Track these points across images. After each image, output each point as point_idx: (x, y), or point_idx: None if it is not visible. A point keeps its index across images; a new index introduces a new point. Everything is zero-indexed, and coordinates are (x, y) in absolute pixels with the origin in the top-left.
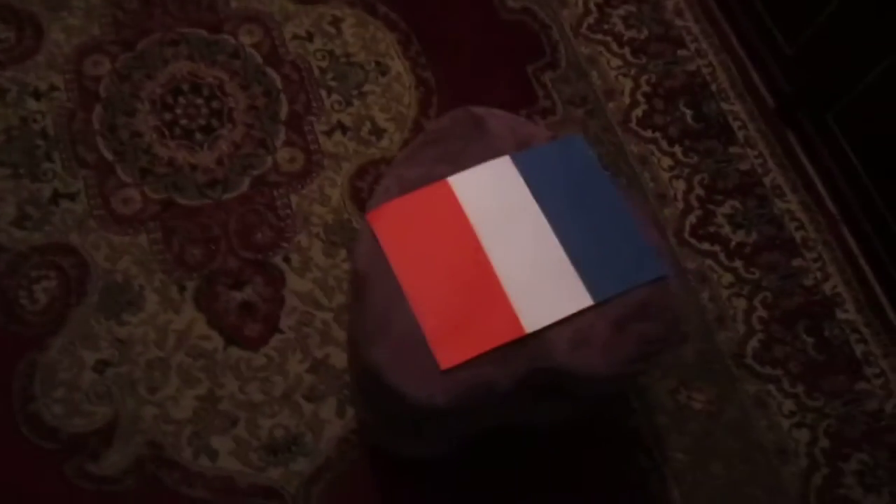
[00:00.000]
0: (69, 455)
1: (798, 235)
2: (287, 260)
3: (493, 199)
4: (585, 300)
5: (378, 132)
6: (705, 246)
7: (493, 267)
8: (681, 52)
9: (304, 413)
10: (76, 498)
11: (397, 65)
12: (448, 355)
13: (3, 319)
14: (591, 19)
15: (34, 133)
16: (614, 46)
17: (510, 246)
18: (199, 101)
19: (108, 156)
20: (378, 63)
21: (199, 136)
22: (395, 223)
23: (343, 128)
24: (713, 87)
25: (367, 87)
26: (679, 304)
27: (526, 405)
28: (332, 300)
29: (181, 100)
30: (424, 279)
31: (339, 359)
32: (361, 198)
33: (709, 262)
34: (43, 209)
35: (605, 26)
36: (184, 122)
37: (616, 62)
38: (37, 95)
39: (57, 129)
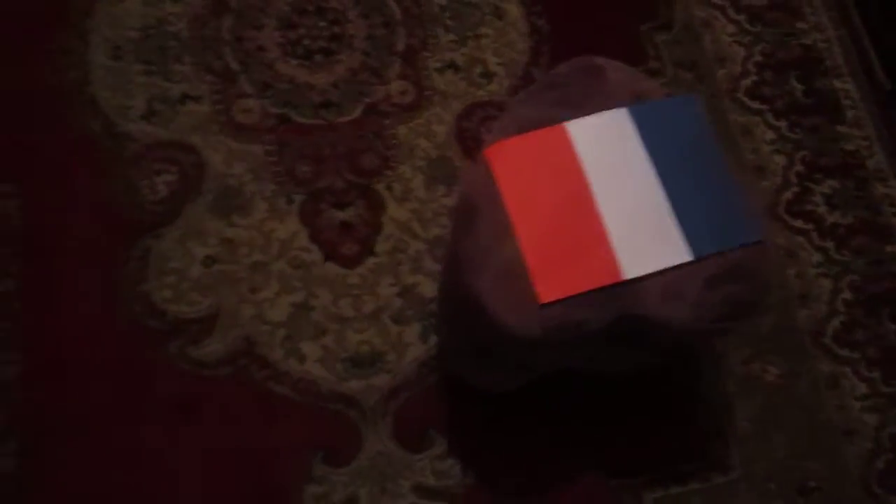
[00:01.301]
0: (172, 336)
1: (894, 222)
2: (389, 188)
3: (607, 147)
4: (683, 255)
5: (488, 75)
6: (798, 223)
7: (599, 212)
8: (799, 25)
9: (390, 333)
10: (174, 375)
11: (514, 11)
12: (548, 290)
13: (125, 203)
14: None
15: (168, 34)
16: (731, 12)
17: (617, 194)
18: (322, 23)
19: (234, 65)
20: (496, 7)
21: (318, 57)
22: (510, 160)
23: (455, 67)
24: (828, 63)
25: (482, 30)
26: (770, 271)
27: (607, 350)
28: (427, 232)
29: (305, 20)
30: (533, 216)
31: (428, 288)
32: (466, 137)
33: (800, 239)
34: (170, 107)
35: None
36: (306, 42)
37: (731, 28)
38: None
39: (190, 34)
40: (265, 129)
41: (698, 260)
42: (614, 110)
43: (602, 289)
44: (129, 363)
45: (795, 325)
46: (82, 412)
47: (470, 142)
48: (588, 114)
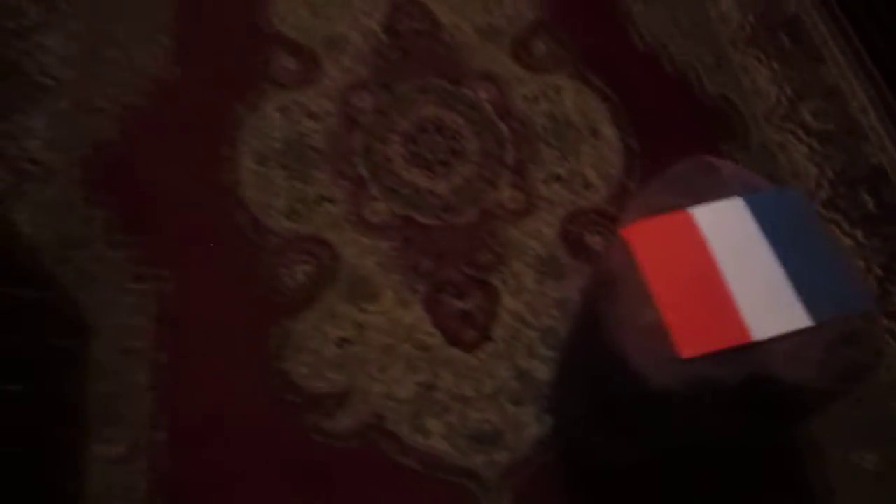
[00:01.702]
0: (307, 409)
1: None
2: (503, 282)
3: (727, 229)
4: (805, 321)
5: (588, 186)
6: (883, 322)
7: (726, 283)
8: (864, 147)
9: (508, 413)
10: (308, 445)
11: (608, 132)
12: (688, 347)
13: (267, 289)
14: (781, 110)
15: (307, 146)
16: (802, 135)
17: (741, 268)
18: (440, 139)
19: (364, 173)
20: (592, 129)
21: (438, 167)
22: (645, 238)
23: (559, 178)
24: (893, 179)
25: (581, 147)
26: (881, 338)
27: (734, 413)
28: (539, 322)
29: (426, 137)
30: (668, 285)
31: (542, 372)
32: (571, 239)
33: (887, 337)
34: (308, 207)
35: (795, 117)
36: (427, 154)
37: (803, 149)
38: (312, 116)
39: (325, 145)
40: (392, 227)
41: (818, 326)
42: (731, 199)
43: (734, 349)
44: (267, 432)
45: (892, 416)
46: (222, 474)
47: (575, 243)
48: (708, 202)
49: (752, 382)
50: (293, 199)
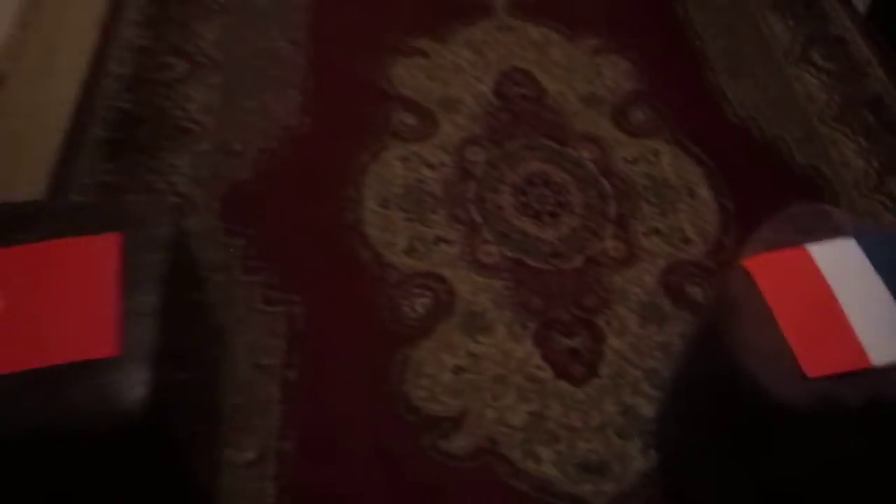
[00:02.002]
0: (425, 430)
1: None
2: (608, 323)
3: (843, 264)
4: None
5: (686, 241)
6: None
7: (844, 311)
8: None
9: (614, 446)
10: (425, 464)
11: (704, 193)
12: (813, 367)
13: (389, 318)
14: (870, 182)
15: (425, 192)
16: (890, 205)
17: (857, 299)
18: (547, 192)
19: (477, 218)
20: (689, 189)
21: (545, 217)
22: (766, 269)
23: (658, 232)
24: None
25: (679, 206)
26: None
27: (856, 441)
28: (643, 362)
29: (535, 189)
30: (789, 311)
31: (647, 409)
32: (672, 288)
33: None
34: (426, 246)
35: (883, 188)
36: (535, 205)
37: (890, 217)
38: (429, 166)
39: (441, 193)
40: (503, 268)
41: None
42: (845, 238)
43: (856, 371)
44: (387, 449)
45: None
46: (343, 485)
47: (676, 292)
48: (822, 241)
49: (874, 407)
50: (412, 238)
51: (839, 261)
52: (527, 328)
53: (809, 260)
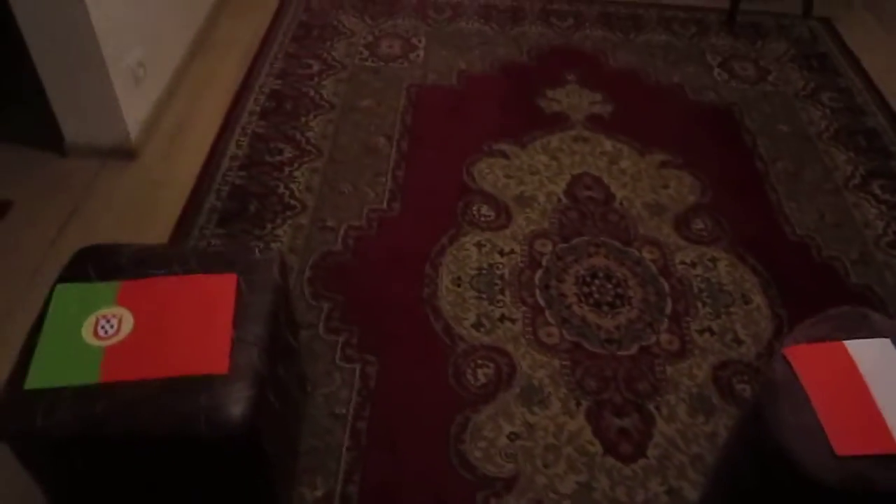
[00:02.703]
0: (480, 487)
1: None
2: (658, 409)
3: (877, 360)
4: None
5: (738, 341)
6: None
7: (876, 401)
8: None
9: None
10: None
11: (758, 300)
12: (844, 447)
13: (454, 383)
14: None
15: (496, 275)
16: None
17: (889, 392)
18: (609, 286)
19: (541, 302)
20: (743, 295)
21: (605, 307)
22: (804, 358)
23: (711, 331)
24: None
25: (732, 309)
26: None
27: None
28: (689, 449)
29: (596, 281)
30: (825, 397)
31: (690, 493)
32: (721, 384)
33: None
34: (492, 323)
35: None
36: (596, 296)
37: None
38: (501, 253)
39: (511, 277)
40: (562, 350)
41: None
42: (880, 339)
43: (886, 456)
44: (446, 500)
45: None
46: None
47: (725, 388)
48: (860, 338)
49: None
50: (480, 314)
51: (874, 356)
52: (580, 405)
53: (846, 353)
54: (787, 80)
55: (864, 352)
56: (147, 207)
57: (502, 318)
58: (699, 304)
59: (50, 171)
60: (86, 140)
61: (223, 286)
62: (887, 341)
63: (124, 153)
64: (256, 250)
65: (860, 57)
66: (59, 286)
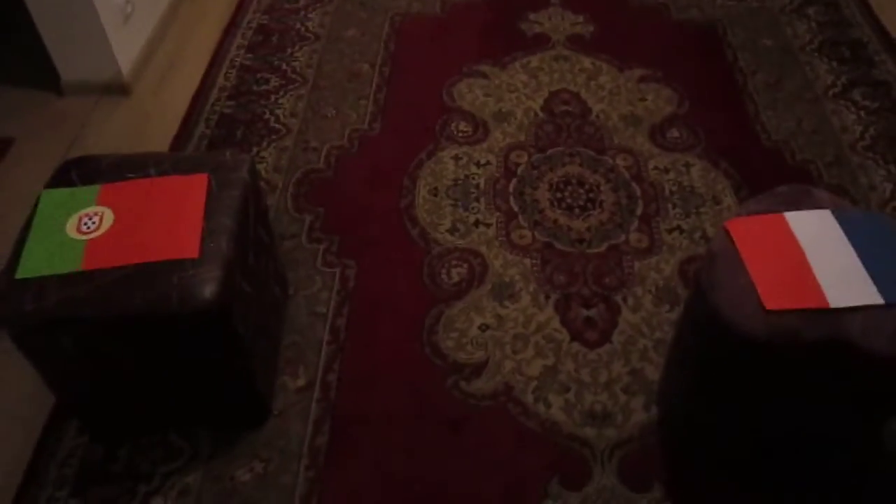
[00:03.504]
0: (450, 373)
1: None
2: (624, 300)
3: (815, 229)
4: (877, 299)
5: (706, 239)
6: None
7: (809, 264)
8: None
9: (619, 401)
10: (449, 400)
11: (728, 200)
12: (772, 302)
13: (429, 282)
14: (895, 203)
15: (471, 185)
16: None
17: (823, 255)
18: (581, 191)
19: (515, 208)
20: (714, 197)
21: (576, 210)
22: (743, 229)
23: (680, 230)
24: None
25: (702, 210)
26: None
27: (816, 381)
28: (653, 335)
29: (569, 188)
30: (759, 262)
31: (652, 372)
32: (686, 276)
33: None
34: (467, 228)
35: None
36: (568, 200)
37: None
38: (478, 165)
39: (485, 186)
40: (534, 249)
41: (889, 305)
42: (820, 210)
43: (814, 310)
44: (418, 385)
45: None
46: (376, 412)
47: (690, 279)
48: (801, 210)
49: (831, 347)
50: (455, 220)
51: (812, 226)
52: (549, 298)
53: (784, 224)
54: None
55: (803, 222)
56: (141, 138)
57: (476, 223)
58: (669, 206)
59: (48, 108)
60: (80, 78)
61: (195, 185)
62: (827, 213)
63: (118, 89)
64: (227, 153)
65: None
66: (44, 192)
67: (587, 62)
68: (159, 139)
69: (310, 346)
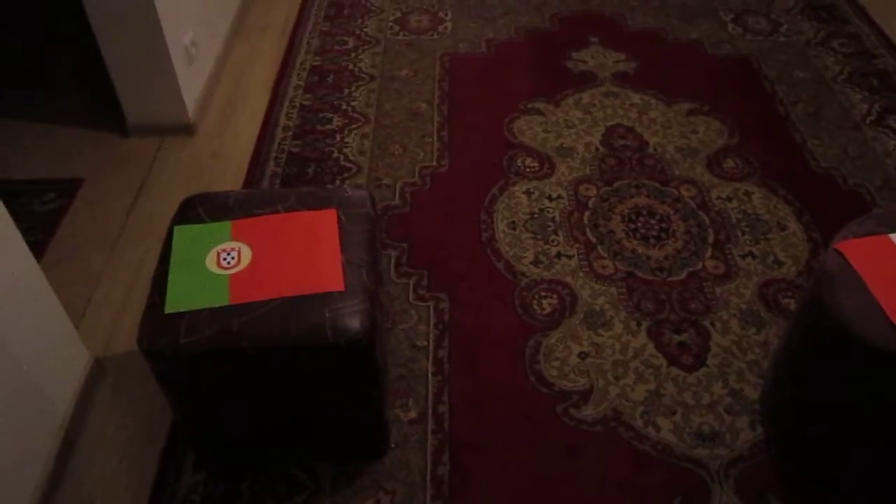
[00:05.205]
0: (559, 400)
1: None
2: (713, 324)
3: None
4: None
5: (778, 263)
6: None
7: None
8: None
9: (725, 421)
10: (560, 426)
11: (793, 226)
12: None
13: (522, 313)
14: None
15: (547, 218)
16: None
17: None
18: (653, 221)
19: (592, 239)
20: (779, 223)
21: (651, 240)
22: (856, 249)
23: (753, 255)
24: None
25: (770, 236)
26: None
27: None
28: (745, 356)
29: (640, 219)
30: (876, 278)
31: (751, 393)
32: (766, 299)
33: None
34: (549, 259)
35: None
36: (642, 231)
37: None
38: (550, 199)
39: (561, 219)
40: (617, 279)
41: None
42: None
43: None
44: (529, 413)
45: None
46: (497, 441)
47: (771, 302)
48: None
49: None
50: (538, 253)
51: None
52: (640, 325)
53: (891, 244)
54: (798, 30)
55: None
56: (212, 177)
57: (559, 255)
58: (739, 233)
59: (114, 149)
60: (147, 118)
61: (326, 219)
62: None
63: (183, 129)
64: (347, 188)
65: (864, 5)
66: (177, 227)
67: (636, 97)
68: (229, 178)
69: (416, 378)
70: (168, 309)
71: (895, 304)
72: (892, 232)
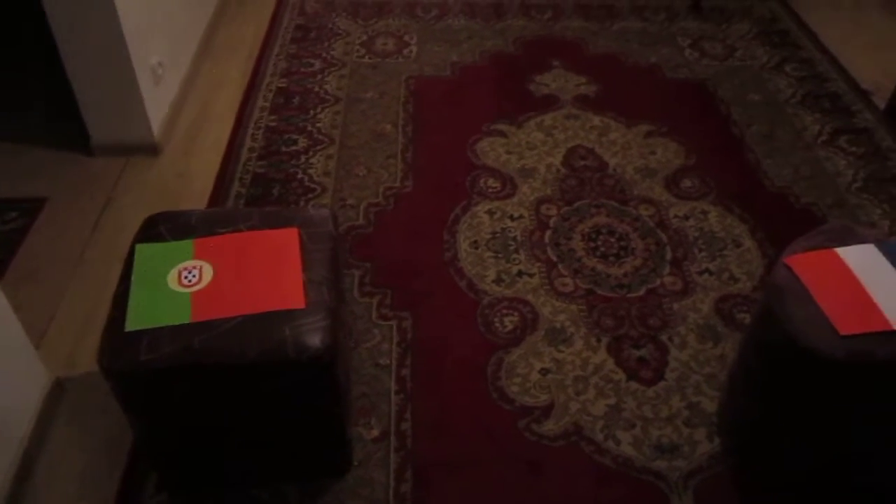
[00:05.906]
0: (520, 416)
1: None
2: (671, 339)
3: (864, 261)
4: None
5: (734, 279)
6: None
7: (868, 292)
8: None
9: (682, 433)
10: (523, 441)
11: (748, 243)
12: (845, 327)
13: (484, 330)
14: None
15: (509, 237)
16: None
17: (878, 284)
18: (612, 240)
19: (553, 257)
20: (734, 240)
21: (611, 258)
22: (803, 264)
23: (709, 272)
24: None
25: (726, 252)
26: None
27: (888, 411)
28: (702, 370)
29: (600, 237)
30: (824, 292)
31: (709, 405)
32: (723, 314)
33: None
34: (511, 278)
35: None
36: (602, 249)
37: None
38: (512, 218)
39: (522, 238)
40: (578, 296)
41: None
42: (866, 244)
43: (881, 332)
44: (491, 429)
45: None
46: (460, 457)
47: (727, 317)
48: (847, 245)
49: None
50: (500, 271)
51: (862, 258)
52: (600, 341)
53: (838, 258)
54: (753, 55)
55: (853, 255)
56: (177, 196)
57: (520, 273)
58: (696, 250)
59: (78, 169)
60: (112, 138)
61: (288, 238)
62: (871, 247)
63: (149, 149)
64: (310, 208)
65: (817, 31)
66: (138, 245)
67: (596, 119)
68: (194, 198)
69: (379, 396)
70: (129, 327)
71: (841, 315)
72: (839, 246)
